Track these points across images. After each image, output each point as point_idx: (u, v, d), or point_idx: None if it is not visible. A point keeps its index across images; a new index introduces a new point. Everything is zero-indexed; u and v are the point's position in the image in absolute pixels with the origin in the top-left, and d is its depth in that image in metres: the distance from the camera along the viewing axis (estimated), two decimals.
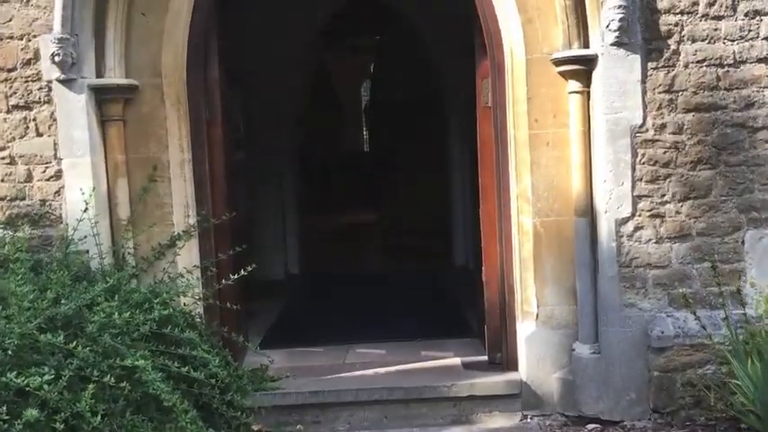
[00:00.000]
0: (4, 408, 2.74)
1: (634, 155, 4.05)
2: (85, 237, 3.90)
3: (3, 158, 4.08)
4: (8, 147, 4.08)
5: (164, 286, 3.97)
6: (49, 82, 4.03)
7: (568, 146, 4.21)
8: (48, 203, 4.09)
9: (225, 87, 4.87)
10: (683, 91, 4.04)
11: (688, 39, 4.02)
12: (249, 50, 8.08)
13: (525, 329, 4.34)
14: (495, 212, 4.53)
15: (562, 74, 4.17)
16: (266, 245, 8.58)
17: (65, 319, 3.27)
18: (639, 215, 4.07)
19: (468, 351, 5.04)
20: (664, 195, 4.07)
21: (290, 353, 5.20)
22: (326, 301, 7.05)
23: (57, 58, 3.94)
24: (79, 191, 3.92)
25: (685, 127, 4.05)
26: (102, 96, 4.10)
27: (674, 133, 4.05)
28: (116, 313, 3.39)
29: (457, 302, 6.54)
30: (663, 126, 4.04)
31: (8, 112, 4.06)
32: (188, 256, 4.32)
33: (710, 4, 4.02)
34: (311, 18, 8.67)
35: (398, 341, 5.38)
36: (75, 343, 3.08)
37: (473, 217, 8.25)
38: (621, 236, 4.07)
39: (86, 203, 3.85)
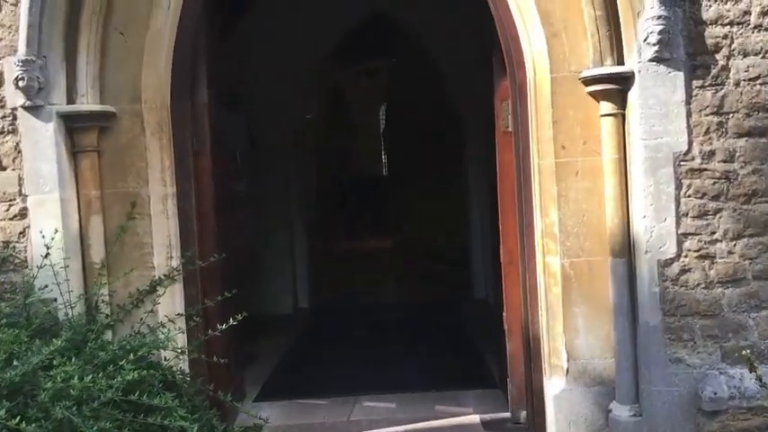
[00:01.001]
0: None
1: (678, 186, 3.52)
2: (50, 284, 3.43)
3: None
4: None
5: (139, 340, 3.50)
6: (14, 109, 3.59)
7: (601, 176, 3.69)
8: (11, 245, 3.63)
9: (216, 112, 4.42)
10: (734, 113, 3.51)
11: (739, 53, 3.50)
12: (255, 72, 7.70)
13: (554, 386, 3.79)
14: (516, 251, 4.01)
15: (593, 94, 3.66)
16: (275, 277, 8.11)
17: (12, 385, 2.79)
18: (686, 256, 3.53)
19: (488, 406, 4.50)
20: (714, 233, 3.53)
21: (290, 407, 4.69)
22: (334, 342, 6.52)
23: (21, 83, 3.50)
24: (42, 232, 3.46)
25: (738, 154, 3.51)
26: (73, 125, 3.65)
27: (724, 161, 3.52)
28: (75, 377, 2.92)
29: (475, 345, 5.99)
30: (711, 153, 3.51)
31: None
32: (170, 304, 3.83)
33: (764, 14, 3.50)
34: (324, 38, 8.27)
35: (411, 392, 4.85)
36: (18, 419, 2.60)
37: (493, 247, 7.77)
38: (665, 279, 3.53)
39: (48, 247, 3.38)
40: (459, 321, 7.06)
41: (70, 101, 3.64)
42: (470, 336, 6.32)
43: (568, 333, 3.76)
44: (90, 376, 2.92)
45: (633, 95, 3.55)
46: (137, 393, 3.06)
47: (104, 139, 3.75)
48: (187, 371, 3.81)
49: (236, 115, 7.26)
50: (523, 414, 4.03)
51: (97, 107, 3.67)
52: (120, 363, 3.13)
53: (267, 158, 7.97)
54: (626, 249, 3.62)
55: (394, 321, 7.18)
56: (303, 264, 8.47)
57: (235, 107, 7.31)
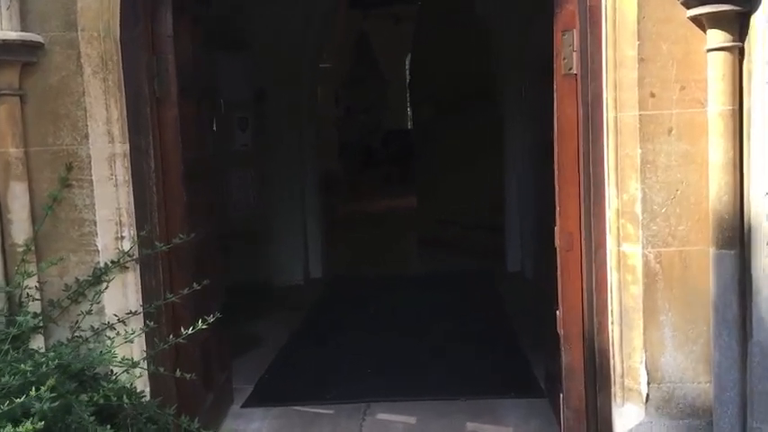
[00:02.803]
0: None
1: None
2: None
3: None
4: None
5: (68, 350, 2.61)
6: None
7: (704, 136, 2.67)
8: None
9: (193, 50, 3.45)
10: None
11: None
12: (262, 12, 6.69)
13: (627, 416, 2.84)
14: (579, 235, 3.02)
15: (697, 20, 2.62)
16: (284, 244, 7.21)
17: None
18: None
19: (532, 423, 3.58)
20: None
21: (285, 416, 3.82)
22: (345, 325, 5.60)
23: None
24: None
25: None
26: None
27: None
28: None
29: (514, 334, 5.05)
30: None
31: None
32: (122, 298, 2.92)
33: None
34: None
35: (435, 398, 3.94)
36: None
37: (538, 216, 6.78)
38: None
39: None
40: (493, 301, 6.11)
41: None
42: (507, 322, 5.37)
43: (650, 348, 2.79)
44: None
45: (760, 20, 2.49)
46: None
47: (28, 80, 2.79)
48: (146, 387, 2.95)
49: (238, 61, 6.30)
50: None
51: (15, 35, 2.69)
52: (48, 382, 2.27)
53: (276, 112, 7.01)
54: (737, 238, 2.61)
55: (416, 300, 6.24)
56: (316, 229, 7.55)
57: (236, 52, 6.34)
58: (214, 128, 6.16)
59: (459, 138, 8.50)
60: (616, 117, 2.78)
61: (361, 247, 9.71)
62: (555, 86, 3.08)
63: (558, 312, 3.20)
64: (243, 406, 3.96)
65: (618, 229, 2.81)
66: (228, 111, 6.28)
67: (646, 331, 2.78)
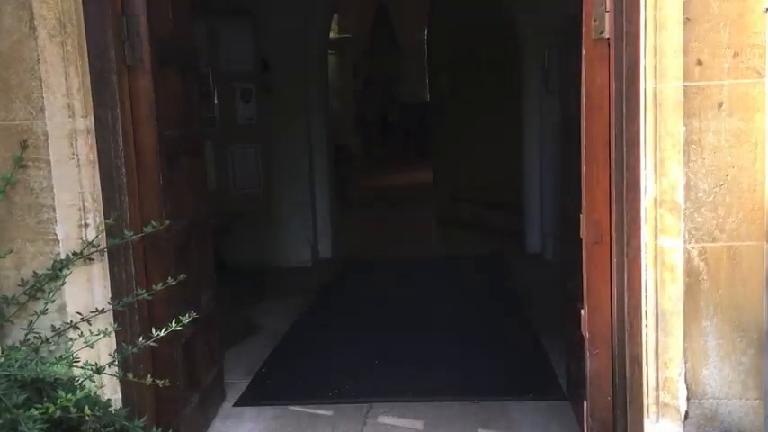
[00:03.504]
0: None
1: None
2: None
3: None
4: None
5: (20, 354, 2.29)
6: None
7: (761, 111, 2.26)
8: None
9: (173, 8, 3.07)
10: None
11: None
12: None
13: None
14: (608, 225, 2.62)
15: None
16: (291, 223, 6.87)
17: None
18: None
19: (552, 430, 3.22)
20: None
21: (281, 418, 3.49)
22: (351, 313, 5.24)
23: None
24: None
25: None
26: None
27: None
28: None
29: (531, 324, 4.68)
30: None
31: None
32: (87, 294, 2.59)
33: None
34: None
35: (443, 399, 3.59)
36: None
37: (557, 194, 6.36)
38: None
39: None
40: (510, 287, 5.72)
41: None
42: (524, 311, 4.99)
43: (691, 358, 2.40)
44: None
45: None
46: None
47: None
48: (117, 393, 2.63)
49: (239, 29, 5.91)
50: None
51: None
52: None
53: (283, 84, 6.63)
54: None
55: (429, 286, 5.89)
56: (326, 207, 7.18)
57: (236, 19, 5.95)
58: (216, 101, 5.80)
59: (477, 111, 8.07)
60: (655, 88, 2.36)
61: (375, 225, 9.36)
62: (583, 53, 2.66)
63: (582, 311, 2.83)
64: (235, 404, 3.64)
65: (655, 219, 2.42)
66: (230, 82, 5.90)
67: (686, 338, 2.40)
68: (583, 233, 2.74)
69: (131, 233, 2.60)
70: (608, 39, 2.56)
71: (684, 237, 2.36)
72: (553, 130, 6.33)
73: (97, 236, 2.56)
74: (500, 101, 7.56)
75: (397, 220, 9.42)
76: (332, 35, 16.98)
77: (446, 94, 8.79)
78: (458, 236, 8.02)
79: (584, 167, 2.68)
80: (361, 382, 3.83)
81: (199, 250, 3.38)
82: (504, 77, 7.40)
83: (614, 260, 2.60)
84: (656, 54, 2.35)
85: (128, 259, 2.67)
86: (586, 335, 2.75)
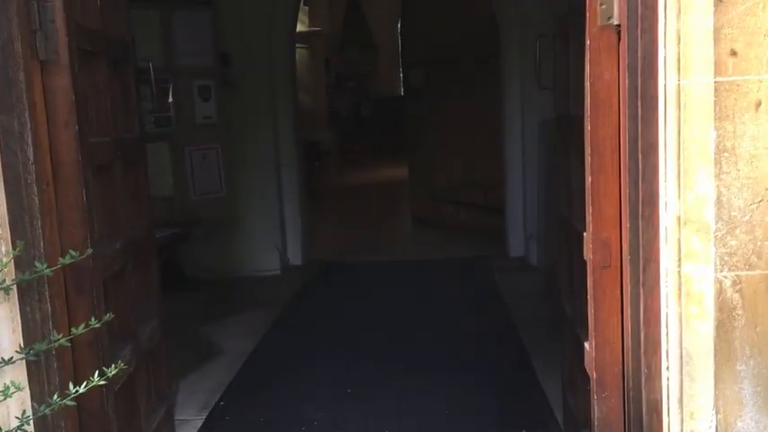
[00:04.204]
0: None
1: None
2: None
3: None
4: None
5: None
6: None
7: None
8: None
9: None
10: None
11: None
12: None
13: None
14: (618, 247, 2.22)
15: None
16: (256, 227, 6.41)
17: None
18: None
19: None
20: None
21: None
22: (323, 331, 4.79)
23: None
24: None
25: None
26: None
27: None
28: None
29: (520, 344, 4.27)
30: None
31: None
32: None
33: None
34: None
35: None
36: None
37: (537, 191, 5.96)
38: None
39: None
40: (495, 298, 5.32)
41: None
42: (513, 329, 4.57)
43: (724, 407, 2.00)
44: None
45: None
46: None
47: None
48: None
49: (197, 21, 5.43)
50: None
51: None
52: None
53: (246, 80, 6.17)
54: None
55: (405, 297, 5.48)
56: (295, 210, 6.74)
57: (194, 10, 5.47)
58: (171, 98, 5.33)
59: (454, 108, 7.67)
60: (678, 85, 1.95)
61: (349, 226, 8.94)
62: (587, 43, 2.24)
63: (586, 345, 2.42)
64: None
65: (678, 242, 2.01)
66: (187, 79, 5.42)
67: (718, 384, 2.00)
68: (587, 255, 2.33)
69: (44, 265, 2.13)
70: (618, 26, 2.15)
71: (715, 263, 1.96)
72: (536, 128, 5.95)
73: (1, 269, 2.09)
74: (479, 96, 7.17)
75: (372, 221, 9.00)
76: (302, 28, 16.49)
77: (421, 90, 8.36)
78: (437, 238, 7.62)
79: (589, 178, 2.27)
80: (332, 416, 3.40)
81: (139, 275, 2.91)
82: (484, 72, 7.00)
83: (628, 289, 2.19)
84: (678, 43, 1.94)
85: (42, 296, 2.20)
86: (593, 375, 2.35)
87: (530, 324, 4.47)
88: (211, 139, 5.59)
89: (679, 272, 2.02)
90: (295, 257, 6.72)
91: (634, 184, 2.12)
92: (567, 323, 2.86)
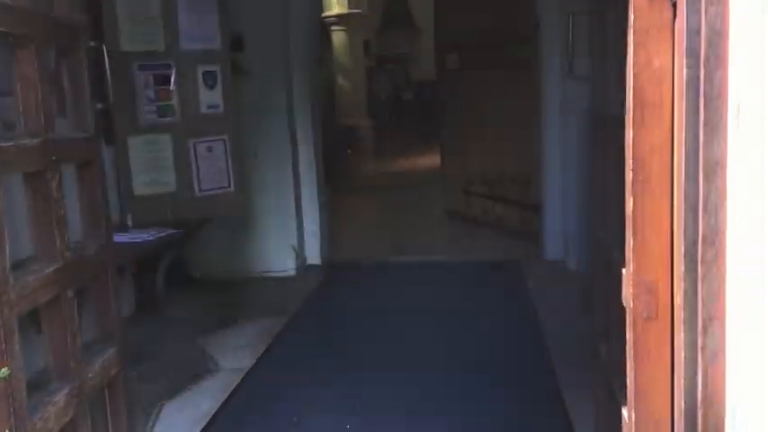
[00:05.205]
0: None
1: None
2: None
3: None
4: None
5: None
6: None
7: None
8: None
9: None
10: None
11: None
12: None
13: None
14: (668, 294, 1.68)
15: None
16: (271, 224, 5.97)
17: None
18: None
19: None
20: None
21: None
22: (330, 346, 4.29)
23: None
24: None
25: None
26: None
27: None
28: None
29: (550, 365, 3.73)
30: None
31: None
32: None
33: None
34: None
35: None
36: None
37: (576, 189, 5.40)
38: None
39: None
40: (525, 308, 4.76)
41: None
42: (544, 348, 4.01)
43: None
44: None
45: None
46: None
47: None
48: None
49: None
50: None
51: None
52: None
53: (260, 64, 5.72)
54: None
55: (429, 306, 4.97)
56: (313, 204, 6.26)
57: None
58: (172, 86, 4.88)
59: (489, 92, 7.08)
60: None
61: (376, 221, 8.45)
62: (631, 20, 1.68)
63: (624, 414, 1.88)
64: None
65: (754, 298, 1.45)
66: (190, 64, 4.97)
67: None
68: (627, 300, 1.78)
69: None
70: (674, 4, 1.58)
71: None
72: (577, 118, 5.35)
73: None
74: (516, 84, 6.56)
75: (401, 215, 8.48)
76: (340, 10, 16.01)
77: (454, 76, 7.77)
78: (468, 235, 7.07)
79: (630, 201, 1.72)
80: None
81: (89, 299, 2.46)
82: (521, 57, 6.40)
83: (681, 351, 1.64)
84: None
85: None
86: None
87: (564, 345, 3.92)
88: (218, 130, 5.13)
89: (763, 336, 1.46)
90: (313, 257, 6.26)
91: (692, 213, 1.56)
92: (602, 370, 2.31)
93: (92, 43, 3.70)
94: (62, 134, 2.36)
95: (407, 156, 15.46)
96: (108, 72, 3.78)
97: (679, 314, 1.63)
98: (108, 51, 4.63)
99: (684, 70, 1.54)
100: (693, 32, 1.51)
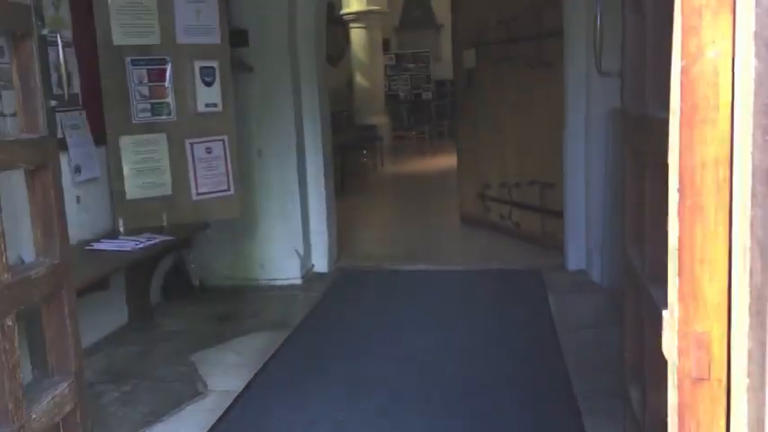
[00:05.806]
0: None
1: None
2: None
3: None
4: None
5: None
6: None
7: None
8: None
9: None
10: None
11: None
12: None
13: None
14: (725, 348, 1.30)
15: None
16: (274, 230, 5.65)
17: None
18: None
19: None
20: None
21: None
22: (328, 366, 3.93)
23: None
24: None
25: None
26: None
27: None
28: None
29: (570, 391, 3.36)
30: None
31: None
32: None
33: None
34: None
35: None
36: None
37: (603, 196, 5.04)
38: None
39: None
40: (543, 325, 4.39)
41: None
42: (564, 372, 3.64)
43: None
44: None
45: None
46: None
47: None
48: None
49: None
50: None
51: None
52: None
53: (267, 59, 5.41)
54: None
55: (437, 319, 4.61)
56: (321, 208, 5.93)
57: None
58: (167, 83, 4.58)
59: (508, 91, 6.71)
60: None
61: (389, 225, 8.11)
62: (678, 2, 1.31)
63: None
64: None
65: None
66: (186, 60, 4.66)
67: None
68: (670, 353, 1.41)
69: None
70: None
71: None
72: (604, 119, 4.98)
73: None
74: (538, 81, 6.18)
75: (415, 220, 8.12)
76: (360, 7, 15.69)
77: (471, 74, 7.40)
78: (485, 242, 6.70)
79: (675, 229, 1.35)
80: None
81: (38, 327, 2.14)
82: (545, 53, 6.02)
83: (740, 419, 1.28)
84: None
85: None
86: None
87: (585, 369, 3.55)
88: (217, 129, 4.82)
89: None
90: (320, 264, 5.93)
91: (759, 249, 1.19)
92: (634, 420, 1.95)
93: (44, 31, 3.40)
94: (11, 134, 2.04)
95: (425, 155, 15.12)
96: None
97: (740, 378, 1.26)
98: (99, 44, 4.34)
99: (752, 62, 1.18)
100: (765, 12, 1.15)
